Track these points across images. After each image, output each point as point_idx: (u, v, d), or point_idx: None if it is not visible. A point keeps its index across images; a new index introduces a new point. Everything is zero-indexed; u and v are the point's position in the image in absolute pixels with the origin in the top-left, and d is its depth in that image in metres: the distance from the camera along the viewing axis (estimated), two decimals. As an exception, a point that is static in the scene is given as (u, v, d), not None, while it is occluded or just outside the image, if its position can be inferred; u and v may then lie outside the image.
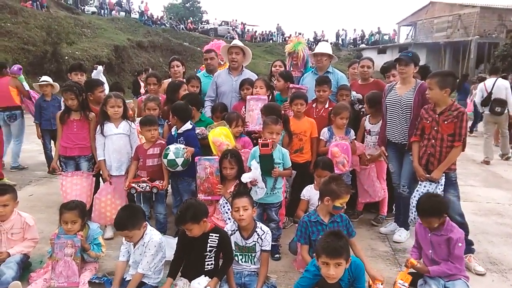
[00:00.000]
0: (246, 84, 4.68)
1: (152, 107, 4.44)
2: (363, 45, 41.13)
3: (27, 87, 7.36)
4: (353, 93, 4.93)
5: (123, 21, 30.68)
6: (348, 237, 2.98)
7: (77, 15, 26.81)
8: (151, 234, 3.16)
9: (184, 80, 5.22)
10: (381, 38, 42.00)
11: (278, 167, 3.76)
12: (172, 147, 3.87)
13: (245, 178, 3.56)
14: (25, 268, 3.43)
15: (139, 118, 4.44)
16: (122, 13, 34.00)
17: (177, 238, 3.24)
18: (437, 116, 3.64)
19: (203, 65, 6.09)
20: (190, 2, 46.30)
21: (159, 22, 36.44)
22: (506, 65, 19.60)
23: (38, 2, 22.99)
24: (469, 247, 3.64)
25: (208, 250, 3.03)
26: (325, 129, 4.42)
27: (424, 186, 3.68)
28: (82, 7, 32.62)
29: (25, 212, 3.62)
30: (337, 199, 3.17)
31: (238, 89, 4.80)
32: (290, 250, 3.82)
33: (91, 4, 35.32)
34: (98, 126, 4.18)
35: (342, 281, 2.67)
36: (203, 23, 43.24)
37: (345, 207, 3.32)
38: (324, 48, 5.07)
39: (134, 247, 3.15)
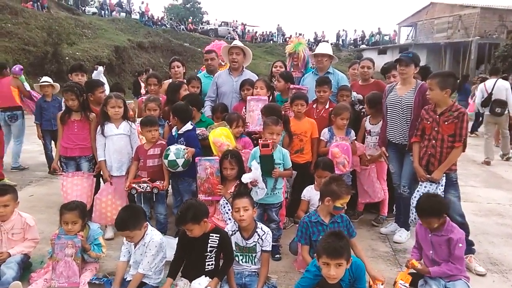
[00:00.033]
0: (246, 84, 4.68)
1: (152, 107, 4.44)
2: (363, 46, 41.15)
3: (28, 88, 7.37)
4: (354, 93, 4.93)
5: (123, 22, 30.70)
6: (348, 237, 2.98)
7: (78, 15, 26.85)
8: (152, 234, 3.16)
9: (184, 80, 5.22)
10: (382, 39, 42.00)
11: (279, 167, 3.76)
12: (172, 148, 3.88)
13: (246, 178, 3.56)
14: (25, 268, 3.43)
15: (140, 119, 4.44)
16: (123, 14, 34.05)
17: (177, 238, 3.24)
18: (437, 116, 3.64)
19: (204, 66, 6.10)
20: (191, 3, 46.32)
21: (159, 22, 36.46)
22: (507, 66, 19.57)
23: (38, 3, 23.05)
24: (469, 248, 3.64)
25: (208, 251, 3.03)
26: (325, 130, 4.42)
27: (425, 187, 3.68)
28: (83, 8, 32.67)
29: (26, 213, 3.62)
30: (338, 199, 3.17)
31: (238, 89, 4.80)
32: (291, 251, 3.82)
33: (91, 5, 35.36)
34: (99, 127, 4.18)
35: (343, 282, 2.67)
36: (204, 23, 43.26)
37: (346, 208, 3.32)
38: (324, 48, 5.08)
39: (135, 247, 3.15)
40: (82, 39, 22.34)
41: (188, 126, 4.06)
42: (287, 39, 31.11)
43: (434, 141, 3.67)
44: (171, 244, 3.35)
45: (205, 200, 3.76)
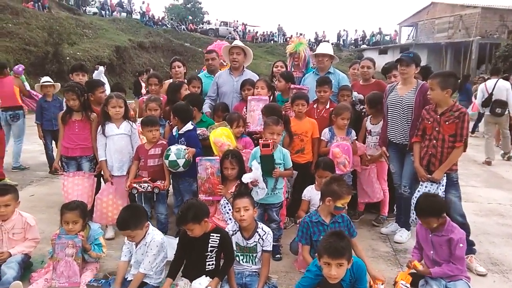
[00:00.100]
0: (247, 84, 4.68)
1: (153, 107, 4.44)
2: (364, 46, 41.12)
3: (28, 87, 7.38)
4: (355, 93, 4.93)
5: (124, 22, 30.74)
6: (349, 237, 2.98)
7: (79, 15, 26.85)
8: (153, 234, 3.17)
9: (185, 80, 5.22)
10: (382, 39, 41.97)
11: (279, 167, 3.76)
12: (173, 148, 3.88)
13: (246, 178, 3.56)
14: (26, 268, 3.43)
15: (141, 119, 4.45)
16: (124, 14, 34.05)
17: (178, 238, 3.24)
18: (438, 116, 3.64)
19: (205, 66, 6.09)
20: (191, 3, 46.33)
21: (160, 22, 36.46)
22: (508, 66, 19.57)
23: (39, 3, 23.05)
24: (470, 248, 3.64)
25: (209, 250, 3.02)
26: (326, 130, 4.42)
27: (425, 187, 3.68)
28: (84, 8, 32.67)
29: (26, 212, 3.62)
30: (339, 199, 3.17)
31: (239, 89, 4.80)
32: (291, 251, 3.82)
33: (92, 5, 35.38)
34: (100, 127, 4.18)
35: (344, 282, 2.67)
36: (204, 23, 43.27)
37: (346, 208, 3.32)
38: (325, 48, 5.08)
39: (136, 247, 3.15)
40: (83, 39, 22.34)
41: (189, 126, 4.06)
42: (288, 39, 31.06)
43: (435, 141, 3.67)
44: (172, 244, 3.35)
45: (205, 200, 3.76)
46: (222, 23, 40.62)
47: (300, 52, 5.38)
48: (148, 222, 3.22)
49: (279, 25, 45.44)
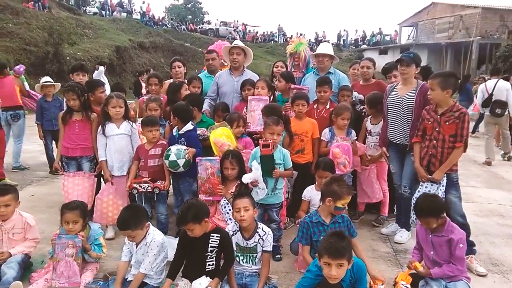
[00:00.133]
0: (247, 84, 4.68)
1: (153, 107, 4.44)
2: (364, 46, 41.13)
3: (27, 87, 7.38)
4: (355, 93, 4.93)
5: (124, 22, 30.75)
6: (349, 237, 2.98)
7: (79, 15, 26.88)
8: (154, 234, 3.17)
9: (185, 80, 5.22)
10: (383, 39, 41.98)
11: (279, 167, 3.76)
12: (173, 148, 3.88)
13: (246, 178, 3.55)
14: (26, 268, 3.43)
15: (141, 119, 4.45)
16: (124, 14, 34.07)
17: (178, 238, 3.24)
18: (438, 117, 3.64)
19: (206, 66, 6.09)
20: (192, 3, 46.34)
21: (160, 22, 36.48)
22: (508, 66, 19.58)
23: (40, 3, 23.06)
24: (470, 248, 3.63)
25: (209, 251, 3.02)
26: (326, 130, 4.42)
27: (426, 187, 3.68)
28: (84, 8, 32.68)
29: (26, 212, 3.62)
30: (339, 200, 3.17)
31: (239, 89, 4.80)
32: (291, 251, 3.82)
33: (92, 5, 35.39)
34: (100, 127, 4.18)
35: (344, 282, 2.67)
36: (204, 23, 43.28)
37: (347, 208, 3.32)
38: (325, 48, 5.08)
39: (136, 247, 3.15)
40: (83, 39, 22.35)
41: (189, 126, 4.06)
42: (288, 39, 31.07)
43: (435, 141, 3.67)
44: (172, 244, 3.35)
45: (205, 200, 3.76)
46: (222, 23, 40.64)
47: (300, 52, 5.38)
48: (149, 222, 3.22)
49: (279, 25, 45.53)
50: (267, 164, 3.64)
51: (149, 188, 3.93)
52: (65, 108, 4.48)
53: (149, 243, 3.09)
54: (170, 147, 3.92)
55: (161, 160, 3.99)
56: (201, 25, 41.83)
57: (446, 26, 34.36)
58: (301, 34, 33.95)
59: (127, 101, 4.33)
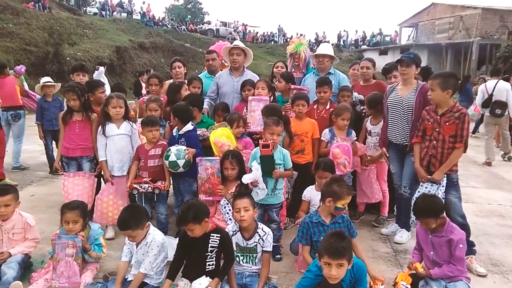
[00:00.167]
0: (247, 85, 4.68)
1: (153, 108, 4.44)
2: (364, 46, 41.18)
3: (26, 87, 7.39)
4: (355, 94, 4.93)
5: (124, 22, 30.72)
6: (349, 238, 2.98)
7: (79, 16, 26.86)
8: (154, 234, 3.17)
9: (185, 81, 5.22)
10: (383, 39, 42.02)
11: (279, 168, 3.76)
12: (173, 149, 3.88)
13: (246, 179, 3.56)
14: (26, 268, 3.43)
15: (141, 119, 4.45)
16: (124, 14, 34.05)
17: (178, 238, 3.24)
18: (438, 117, 3.64)
19: (206, 66, 6.09)
20: (192, 3, 46.36)
21: (160, 23, 36.49)
22: (508, 67, 19.58)
23: (40, 3, 23.06)
24: (470, 249, 3.63)
25: (209, 251, 3.02)
26: (326, 130, 4.42)
27: (426, 187, 3.68)
28: (84, 8, 32.69)
29: (26, 212, 3.62)
30: (339, 200, 3.17)
31: (239, 90, 4.80)
32: (291, 251, 3.82)
33: (93, 5, 35.40)
34: (100, 127, 4.18)
35: (344, 282, 2.67)
36: (205, 24, 43.31)
37: (347, 208, 3.32)
38: (325, 49, 5.08)
39: (136, 247, 3.15)
40: (83, 39, 22.36)
41: (189, 126, 4.06)
42: (288, 39, 31.09)
43: (435, 142, 3.67)
44: (172, 244, 3.35)
45: (205, 200, 3.76)
46: (222, 24, 40.66)
47: (300, 53, 5.39)
48: (149, 222, 3.22)
49: (279, 25, 45.66)
50: (267, 165, 3.64)
51: (149, 188, 3.93)
52: (65, 108, 4.48)
53: (150, 243, 3.10)
54: (170, 147, 3.92)
55: (161, 160, 3.99)
56: (201, 26, 41.87)
57: (446, 26, 34.36)
58: (301, 35, 34.06)
59: (127, 102, 4.33)
